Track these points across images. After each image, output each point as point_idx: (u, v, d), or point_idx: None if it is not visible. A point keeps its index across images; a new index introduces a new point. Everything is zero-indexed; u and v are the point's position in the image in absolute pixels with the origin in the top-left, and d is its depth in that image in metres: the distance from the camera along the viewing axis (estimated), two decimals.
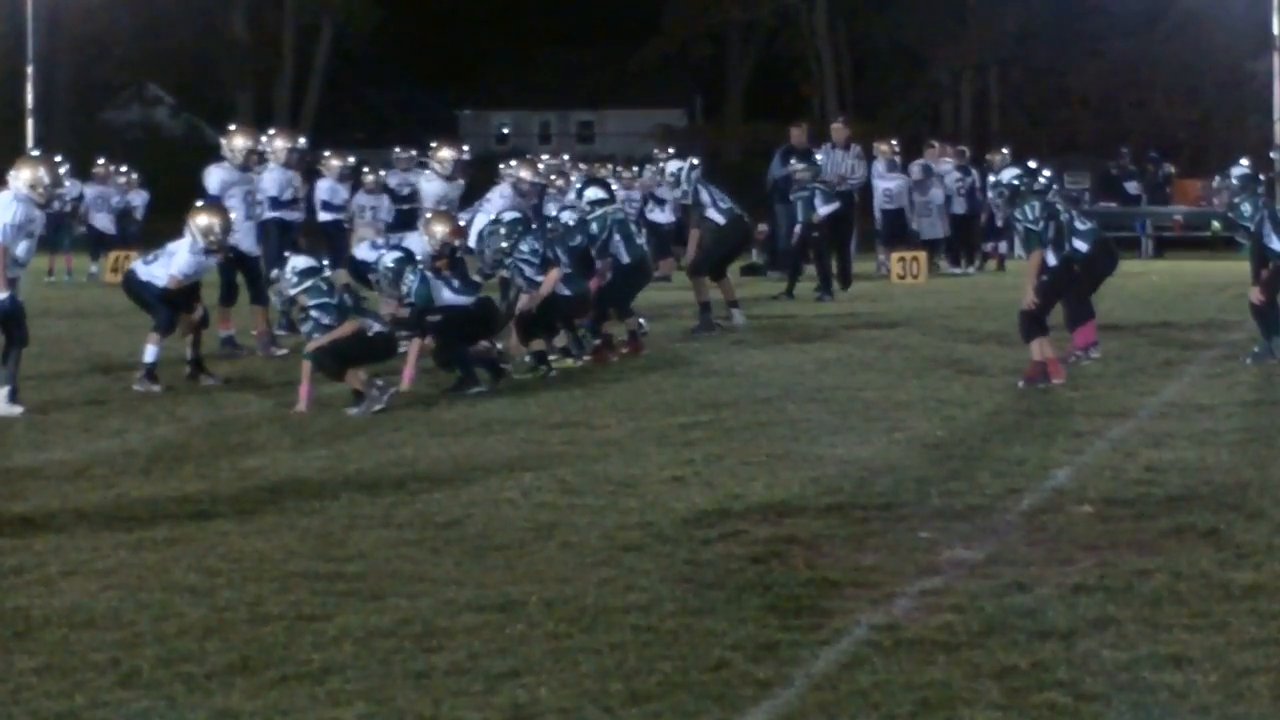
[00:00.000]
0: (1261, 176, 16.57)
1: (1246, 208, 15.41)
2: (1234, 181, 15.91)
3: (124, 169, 32.05)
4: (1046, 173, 17.07)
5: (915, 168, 29.96)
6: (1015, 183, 14.45)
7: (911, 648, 6.53)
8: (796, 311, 21.47)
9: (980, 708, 5.86)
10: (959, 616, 6.93)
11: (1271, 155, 40.33)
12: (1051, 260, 13.99)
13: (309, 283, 13.42)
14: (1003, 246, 32.51)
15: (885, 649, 6.52)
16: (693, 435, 11.70)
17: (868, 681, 6.14)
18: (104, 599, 7.40)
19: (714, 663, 6.39)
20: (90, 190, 30.98)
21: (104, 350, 17.52)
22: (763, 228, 29.85)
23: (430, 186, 18.70)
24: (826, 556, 8.08)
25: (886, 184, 29.39)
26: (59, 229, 28.80)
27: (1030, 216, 14.02)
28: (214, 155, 17.75)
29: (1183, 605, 7.09)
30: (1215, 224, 37.08)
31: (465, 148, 20.51)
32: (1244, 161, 16.81)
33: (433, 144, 19.65)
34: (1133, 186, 39.51)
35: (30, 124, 43.51)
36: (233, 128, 18.32)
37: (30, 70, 44.36)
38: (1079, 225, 15.46)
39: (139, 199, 31.91)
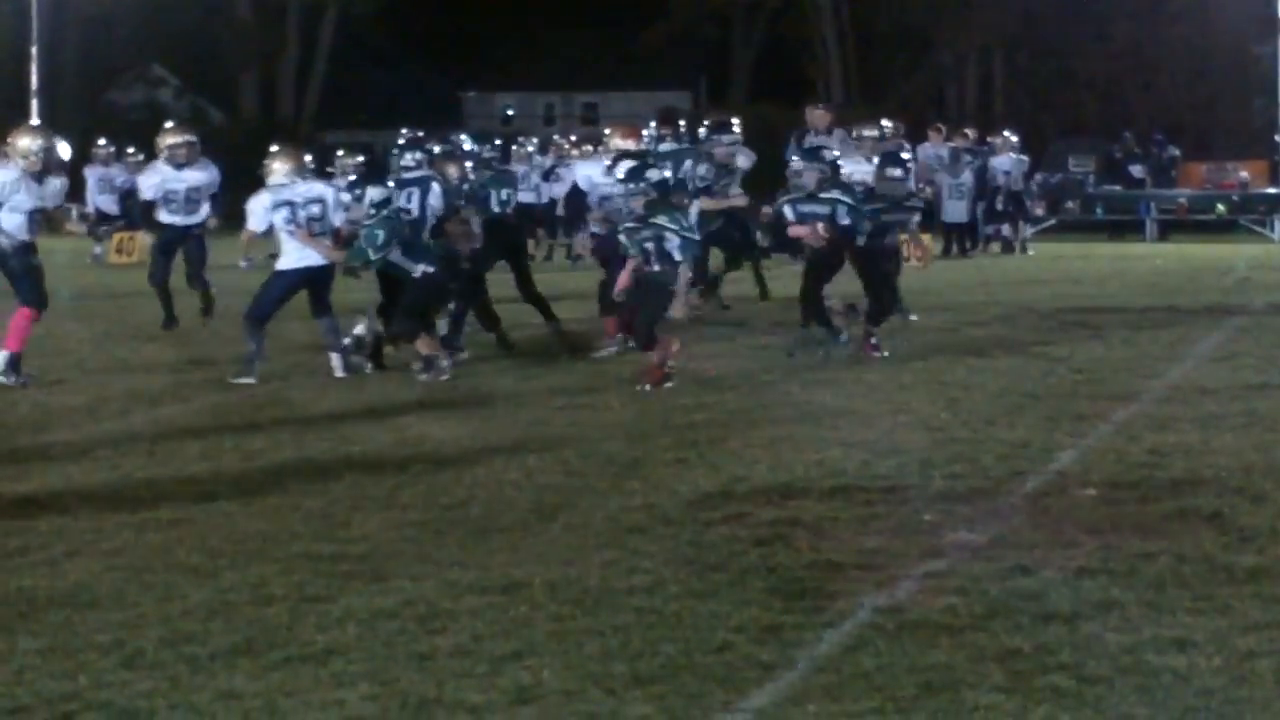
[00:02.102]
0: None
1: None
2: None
3: (130, 150, 32.02)
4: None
5: (945, 150, 29.77)
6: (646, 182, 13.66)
7: (915, 630, 6.53)
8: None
9: (983, 690, 5.86)
10: (962, 599, 6.93)
11: (1277, 138, 40.33)
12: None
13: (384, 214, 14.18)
14: (1005, 229, 32.46)
15: (888, 631, 6.51)
16: (696, 417, 11.70)
17: (871, 664, 6.14)
18: (108, 580, 7.40)
19: (717, 645, 6.38)
20: (93, 171, 30.95)
21: (107, 331, 17.52)
22: (767, 209, 29.79)
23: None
24: (830, 539, 8.08)
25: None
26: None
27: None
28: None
29: (1186, 588, 7.08)
30: (1220, 207, 37.09)
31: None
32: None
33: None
34: (1137, 169, 39.49)
35: (35, 104, 43.54)
36: (275, 149, 16.59)
37: (35, 51, 44.39)
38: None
39: None
